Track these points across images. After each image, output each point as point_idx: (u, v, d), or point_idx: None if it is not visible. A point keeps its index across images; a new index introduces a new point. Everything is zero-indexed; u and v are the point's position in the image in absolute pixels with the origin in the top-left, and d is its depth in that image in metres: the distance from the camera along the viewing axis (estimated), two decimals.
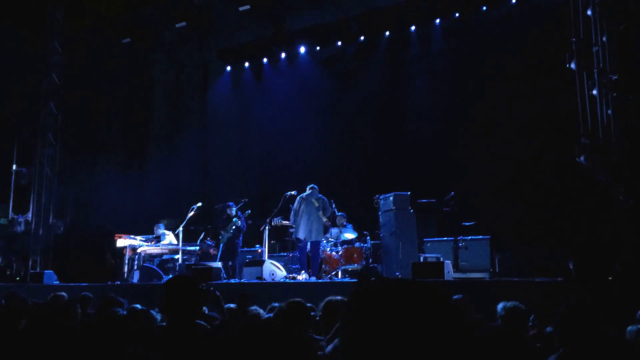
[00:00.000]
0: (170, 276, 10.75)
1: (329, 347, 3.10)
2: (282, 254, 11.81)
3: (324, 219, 10.37)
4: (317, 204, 10.31)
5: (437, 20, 13.00)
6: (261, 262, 10.06)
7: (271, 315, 4.46)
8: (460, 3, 12.54)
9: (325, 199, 10.55)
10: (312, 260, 10.26)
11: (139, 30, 15.30)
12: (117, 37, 15.39)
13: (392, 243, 10.01)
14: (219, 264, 10.61)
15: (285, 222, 10.89)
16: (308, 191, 10.49)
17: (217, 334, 3.31)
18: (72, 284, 10.45)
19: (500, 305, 4.38)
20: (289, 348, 2.52)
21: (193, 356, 2.91)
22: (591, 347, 2.98)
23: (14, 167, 15.35)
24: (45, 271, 12.06)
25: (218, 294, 4.51)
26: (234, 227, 11.36)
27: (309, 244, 10.37)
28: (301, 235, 10.24)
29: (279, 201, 10.69)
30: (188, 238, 11.95)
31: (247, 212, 11.59)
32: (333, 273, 10.13)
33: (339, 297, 3.89)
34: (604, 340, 3.05)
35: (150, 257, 11.86)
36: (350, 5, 13.52)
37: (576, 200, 9.74)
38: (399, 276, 9.06)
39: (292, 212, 10.62)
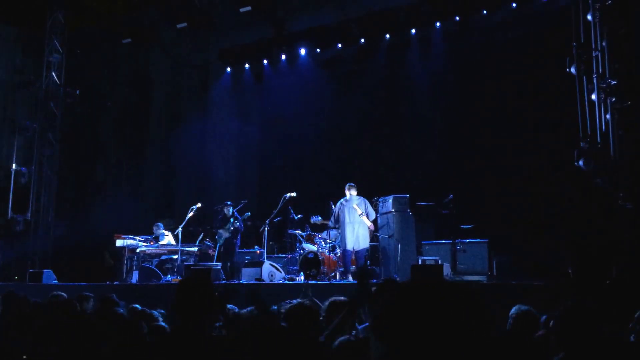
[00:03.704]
0: (177, 276, 10.77)
1: (335, 343, 3.11)
2: (280, 255, 11.82)
3: (369, 224, 10.17)
4: (360, 210, 10.09)
5: (438, 24, 12.99)
6: (260, 263, 10.08)
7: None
8: (460, 7, 12.53)
9: (366, 201, 10.32)
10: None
11: (139, 30, 15.29)
12: (117, 37, 15.39)
13: (391, 245, 10.02)
14: (218, 265, 10.62)
15: (326, 222, 10.66)
16: (347, 196, 10.23)
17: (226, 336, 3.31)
18: (71, 284, 10.45)
19: (513, 309, 4.25)
20: (300, 351, 2.53)
21: (203, 357, 2.91)
22: (590, 349, 2.98)
23: (14, 166, 15.35)
24: (45, 270, 12.03)
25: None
26: (231, 227, 11.36)
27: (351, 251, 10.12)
28: (349, 246, 10.04)
29: (278, 202, 10.70)
30: (187, 239, 11.95)
31: (247, 214, 11.57)
32: (331, 275, 10.15)
33: (342, 297, 3.95)
34: (604, 342, 3.05)
35: (149, 257, 11.86)
36: (350, 7, 13.53)
37: (575, 204, 9.75)
38: (397, 279, 9.07)
39: (332, 217, 10.43)
